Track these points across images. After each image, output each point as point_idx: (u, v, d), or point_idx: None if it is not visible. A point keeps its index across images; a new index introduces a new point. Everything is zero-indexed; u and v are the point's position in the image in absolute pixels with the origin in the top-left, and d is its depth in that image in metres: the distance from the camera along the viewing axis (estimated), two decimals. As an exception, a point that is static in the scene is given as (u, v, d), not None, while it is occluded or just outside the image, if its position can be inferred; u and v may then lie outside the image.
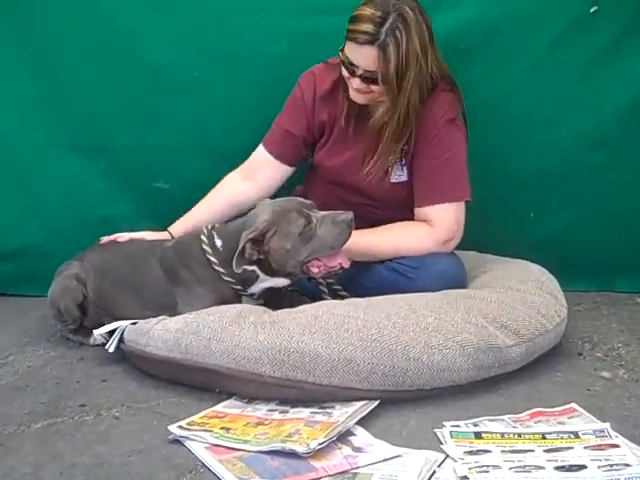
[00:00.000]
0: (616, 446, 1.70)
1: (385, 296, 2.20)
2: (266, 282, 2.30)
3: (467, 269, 2.43)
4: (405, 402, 1.99)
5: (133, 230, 2.56)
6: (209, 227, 2.37)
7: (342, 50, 2.30)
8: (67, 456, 1.78)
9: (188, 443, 1.81)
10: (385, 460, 1.70)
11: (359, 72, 2.27)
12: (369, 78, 2.27)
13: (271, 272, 2.27)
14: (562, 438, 1.76)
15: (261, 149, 2.56)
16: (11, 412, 2.03)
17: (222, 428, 1.86)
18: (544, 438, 1.76)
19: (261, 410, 1.98)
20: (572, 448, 1.70)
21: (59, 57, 2.78)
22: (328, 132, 2.51)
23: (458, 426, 1.86)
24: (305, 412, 1.94)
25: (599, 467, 1.60)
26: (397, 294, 2.22)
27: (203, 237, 2.33)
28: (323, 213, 2.23)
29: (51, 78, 2.81)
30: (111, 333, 2.24)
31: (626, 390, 2.06)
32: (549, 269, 2.47)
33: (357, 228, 2.25)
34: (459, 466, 1.65)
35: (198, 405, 2.02)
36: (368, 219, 2.40)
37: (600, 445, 1.71)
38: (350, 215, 2.20)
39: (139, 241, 2.51)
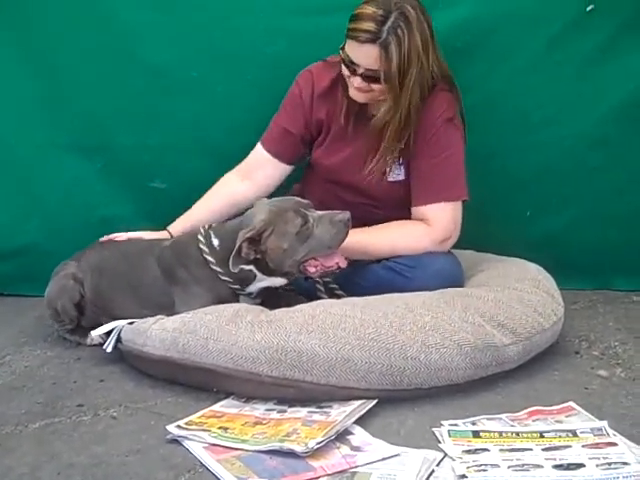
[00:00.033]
0: (614, 444, 1.70)
1: (382, 295, 2.20)
2: (263, 281, 2.30)
3: (464, 268, 2.43)
4: (403, 401, 1.99)
5: (131, 230, 2.57)
6: (206, 227, 2.37)
7: (342, 48, 2.30)
8: (65, 456, 1.79)
9: (186, 443, 1.81)
10: (383, 459, 1.70)
11: (360, 71, 2.27)
12: (370, 77, 2.27)
13: (268, 271, 2.27)
14: (560, 436, 1.76)
15: (259, 148, 2.56)
16: (8, 412, 2.03)
17: (220, 428, 1.86)
18: (542, 437, 1.76)
19: (259, 409, 1.98)
20: (570, 446, 1.70)
21: (59, 57, 2.79)
22: (326, 130, 2.51)
23: (456, 425, 1.85)
24: (303, 411, 1.93)
25: (597, 465, 1.60)
26: (394, 293, 2.22)
27: (200, 237, 2.33)
28: (320, 213, 2.23)
29: (51, 78, 2.81)
30: (109, 333, 2.24)
31: (623, 388, 2.06)
32: (547, 268, 2.47)
33: (354, 227, 2.25)
34: (457, 465, 1.65)
35: (196, 405, 2.02)
36: (365, 218, 2.40)
37: (598, 443, 1.71)
38: (347, 215, 2.20)
39: (137, 240, 2.51)
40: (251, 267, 2.26)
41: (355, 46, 2.24)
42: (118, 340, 2.23)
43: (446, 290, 2.24)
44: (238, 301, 2.29)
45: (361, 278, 2.40)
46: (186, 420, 1.92)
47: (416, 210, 2.40)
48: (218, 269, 2.28)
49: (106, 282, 2.46)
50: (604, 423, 1.80)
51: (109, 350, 2.22)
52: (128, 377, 2.22)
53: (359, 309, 2.08)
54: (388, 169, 2.42)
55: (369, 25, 2.19)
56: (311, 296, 2.35)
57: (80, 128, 2.86)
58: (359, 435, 1.82)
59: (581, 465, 1.61)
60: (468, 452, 1.71)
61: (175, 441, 1.82)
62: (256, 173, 2.55)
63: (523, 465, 1.62)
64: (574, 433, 1.77)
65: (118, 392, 2.13)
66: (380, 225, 2.41)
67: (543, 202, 2.83)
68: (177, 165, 2.87)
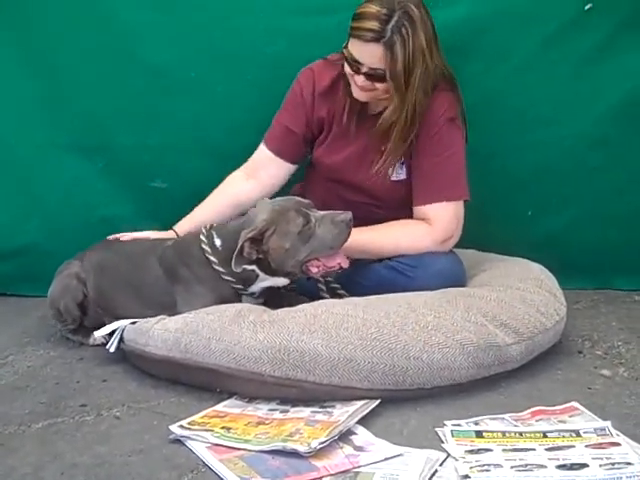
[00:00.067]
0: (617, 444, 1.70)
1: (384, 295, 2.21)
2: (266, 281, 2.30)
3: (466, 267, 2.43)
4: (406, 401, 1.99)
5: (137, 230, 2.57)
6: (208, 226, 2.37)
7: (345, 47, 2.29)
8: (68, 456, 1.78)
9: (189, 443, 1.81)
10: (386, 459, 1.70)
11: (364, 69, 2.26)
12: (373, 75, 2.26)
13: (270, 271, 2.27)
14: (563, 436, 1.76)
15: (263, 147, 2.56)
16: (11, 412, 2.03)
17: (223, 428, 1.86)
18: (545, 437, 1.76)
19: (262, 409, 1.98)
20: (573, 446, 1.70)
21: (59, 57, 2.79)
22: (327, 129, 2.51)
23: (459, 425, 1.85)
24: (306, 411, 1.93)
25: (600, 466, 1.60)
26: (396, 293, 2.23)
27: (202, 237, 2.33)
28: (322, 213, 2.23)
29: (51, 78, 2.81)
30: (111, 333, 2.24)
31: (626, 388, 2.06)
32: (549, 268, 2.47)
33: (355, 227, 2.24)
34: (460, 465, 1.65)
35: (198, 405, 2.02)
36: (366, 218, 2.39)
37: (601, 444, 1.71)
38: (349, 215, 2.20)
39: (140, 240, 2.51)
40: (253, 267, 2.26)
41: (359, 45, 2.24)
42: (121, 340, 2.23)
43: (448, 290, 2.24)
44: (240, 301, 2.29)
45: (363, 277, 2.40)
46: (189, 420, 1.92)
47: (418, 209, 2.40)
48: (220, 269, 2.27)
49: (109, 282, 2.45)
50: (607, 423, 1.80)
51: (112, 350, 2.22)
52: (131, 377, 2.22)
53: (361, 309, 2.08)
54: (391, 169, 2.42)
55: (373, 24, 2.19)
56: (313, 296, 2.35)
57: (80, 128, 2.85)
58: (362, 435, 1.82)
59: (584, 465, 1.61)
60: (471, 452, 1.71)
61: (178, 441, 1.82)
62: (260, 172, 2.55)
63: (526, 465, 1.62)
64: (577, 433, 1.77)
65: (121, 392, 2.13)
66: (382, 224, 2.40)
67: (543, 202, 2.83)
68: (177, 165, 2.87)
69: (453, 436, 1.79)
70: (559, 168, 2.78)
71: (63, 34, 2.75)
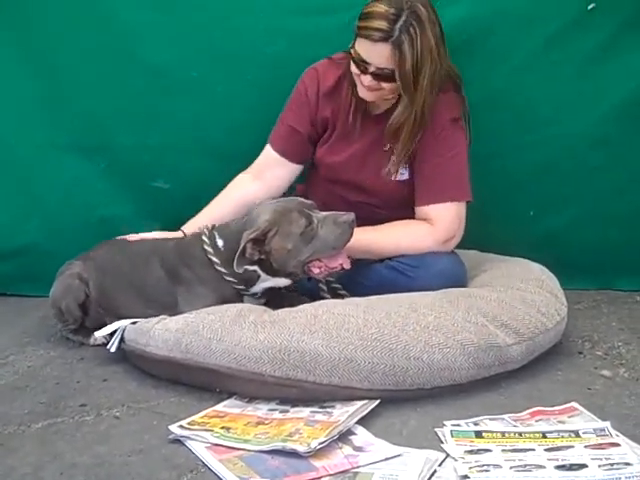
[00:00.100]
0: (617, 445, 1.70)
1: (385, 295, 2.21)
2: (267, 282, 2.30)
3: (467, 268, 2.43)
4: (405, 401, 1.99)
5: (137, 231, 2.57)
6: (210, 227, 2.37)
7: (352, 47, 2.28)
8: (67, 456, 1.78)
9: (189, 443, 1.81)
10: (386, 459, 1.70)
11: (371, 69, 2.25)
12: (380, 75, 2.25)
13: (272, 272, 2.27)
14: (563, 437, 1.76)
15: (268, 148, 2.55)
16: (11, 412, 2.03)
17: (223, 428, 1.86)
18: (545, 437, 1.76)
19: (261, 409, 1.98)
20: (573, 447, 1.70)
21: (59, 57, 2.78)
22: (331, 128, 2.50)
23: (459, 425, 1.85)
24: (305, 411, 1.94)
25: (600, 466, 1.60)
26: (397, 293, 2.23)
27: (204, 237, 2.33)
28: (324, 213, 2.23)
29: (51, 78, 2.81)
30: (112, 333, 2.24)
31: (626, 389, 2.06)
32: (550, 268, 2.47)
33: (358, 227, 2.24)
34: (460, 465, 1.65)
35: (198, 405, 2.02)
36: (369, 218, 2.39)
37: (601, 444, 1.71)
38: (352, 216, 2.19)
39: (142, 241, 2.51)
40: (255, 267, 2.26)
41: (367, 45, 2.22)
42: (121, 340, 2.23)
43: (449, 290, 2.24)
44: (242, 301, 2.29)
45: (364, 277, 2.40)
46: (189, 420, 1.92)
47: (420, 210, 2.40)
48: (222, 269, 2.28)
49: (111, 282, 2.45)
50: (607, 423, 1.80)
51: (112, 350, 2.22)
52: (131, 377, 2.22)
53: (362, 309, 2.08)
54: (396, 169, 2.42)
55: (381, 24, 2.17)
56: (314, 296, 2.35)
57: (80, 128, 2.85)
58: (361, 435, 1.82)
59: (584, 466, 1.61)
60: (470, 452, 1.71)
61: (177, 441, 1.82)
62: (266, 173, 2.55)
63: (525, 466, 1.62)
64: (577, 434, 1.77)
65: (121, 392, 2.13)
66: (384, 224, 2.40)
67: (544, 202, 2.83)
68: (177, 165, 2.87)
69: (452, 436, 1.79)
70: (560, 168, 2.77)
71: (63, 34, 2.75)
